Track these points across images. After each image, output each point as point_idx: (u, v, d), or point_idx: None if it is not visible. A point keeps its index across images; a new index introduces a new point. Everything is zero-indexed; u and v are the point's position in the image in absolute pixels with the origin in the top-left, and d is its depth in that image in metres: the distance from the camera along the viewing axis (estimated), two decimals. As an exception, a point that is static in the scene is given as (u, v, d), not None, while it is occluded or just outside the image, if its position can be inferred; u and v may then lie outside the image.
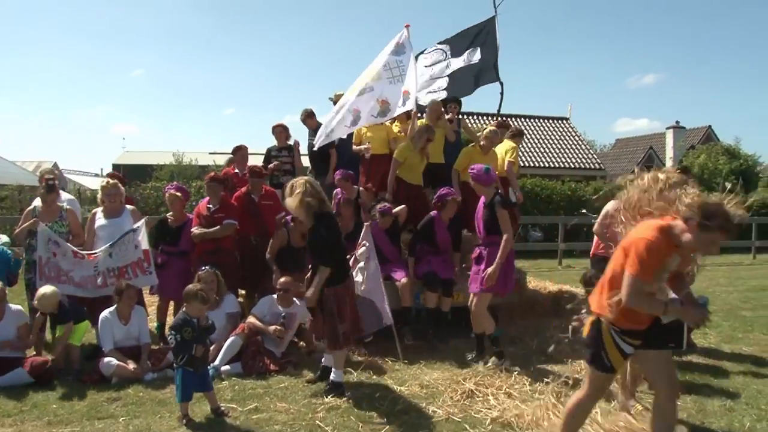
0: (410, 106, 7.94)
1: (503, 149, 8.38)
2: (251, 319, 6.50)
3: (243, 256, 7.54)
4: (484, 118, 27.79)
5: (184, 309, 5.10)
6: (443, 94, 9.22)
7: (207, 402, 5.08)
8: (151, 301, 8.03)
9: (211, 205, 7.29)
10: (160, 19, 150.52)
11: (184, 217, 7.44)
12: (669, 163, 32.34)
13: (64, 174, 39.34)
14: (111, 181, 7.24)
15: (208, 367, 5.40)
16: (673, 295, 3.79)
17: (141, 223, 6.90)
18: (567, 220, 16.86)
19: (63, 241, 6.71)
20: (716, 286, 11.95)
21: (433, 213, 7.19)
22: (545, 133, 30.94)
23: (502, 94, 9.39)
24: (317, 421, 4.87)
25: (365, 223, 7.02)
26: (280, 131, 9.27)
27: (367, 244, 6.73)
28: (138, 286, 6.79)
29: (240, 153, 8.96)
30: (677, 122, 33.97)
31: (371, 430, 4.79)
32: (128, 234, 6.75)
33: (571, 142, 30.78)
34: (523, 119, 30.87)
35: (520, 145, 8.87)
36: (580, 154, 30.08)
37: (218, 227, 7.11)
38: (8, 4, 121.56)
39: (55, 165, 38.32)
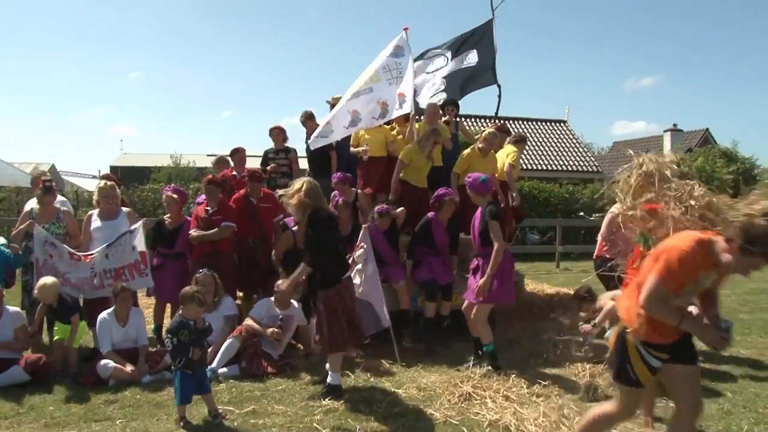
0: (407, 109, 7.94)
1: (505, 153, 8.38)
2: (249, 322, 6.50)
3: (241, 258, 7.53)
4: (482, 120, 27.82)
5: (180, 312, 5.10)
6: (442, 96, 9.24)
7: (204, 404, 5.07)
8: (148, 303, 8.02)
9: (209, 208, 7.28)
10: (157, 22, 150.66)
11: (181, 219, 7.44)
12: (666, 166, 32.31)
13: (62, 176, 39.37)
14: (108, 182, 7.25)
15: (206, 370, 5.39)
16: (692, 308, 3.69)
17: (138, 225, 6.90)
18: (564, 222, 16.88)
19: (59, 242, 6.70)
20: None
21: (430, 214, 7.17)
22: (543, 135, 30.96)
23: (499, 96, 9.42)
24: (314, 424, 4.87)
25: (363, 226, 7.02)
26: (278, 133, 9.28)
27: (365, 246, 6.73)
28: (134, 288, 6.80)
29: (238, 155, 8.97)
30: (675, 125, 34.08)
31: (369, 433, 4.78)
32: (125, 235, 6.74)
33: (568, 145, 30.79)
34: (520, 122, 30.88)
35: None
36: (577, 157, 30.10)
37: (216, 230, 7.10)
38: (7, 6, 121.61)
39: (53, 167, 38.38)
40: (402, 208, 7.62)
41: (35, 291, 6.21)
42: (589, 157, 31.18)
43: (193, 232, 7.14)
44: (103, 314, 6.19)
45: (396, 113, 8.00)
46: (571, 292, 8.52)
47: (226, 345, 6.22)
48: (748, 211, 3.29)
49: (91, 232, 6.99)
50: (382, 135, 8.45)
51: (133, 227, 6.84)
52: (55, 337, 6.24)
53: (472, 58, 9.28)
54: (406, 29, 8.32)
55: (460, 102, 9.42)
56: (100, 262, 6.65)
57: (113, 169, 36.49)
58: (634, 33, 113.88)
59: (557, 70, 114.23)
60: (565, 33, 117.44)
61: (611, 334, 3.83)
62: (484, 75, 9.18)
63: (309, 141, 8.56)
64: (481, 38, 9.27)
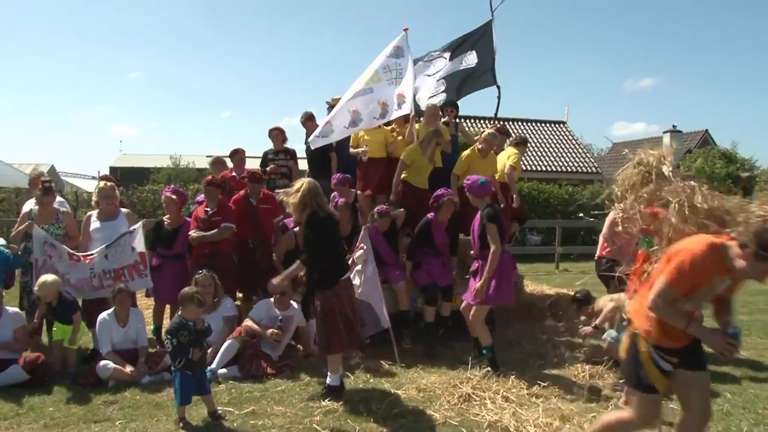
0: (406, 109, 7.94)
1: (506, 156, 8.37)
2: (248, 323, 6.50)
3: (240, 259, 7.53)
4: (482, 121, 27.83)
5: (180, 312, 5.10)
6: (441, 97, 9.24)
7: (204, 405, 5.07)
8: (148, 304, 8.02)
9: (208, 209, 7.28)
10: (157, 22, 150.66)
11: (180, 219, 7.44)
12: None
13: (61, 176, 39.36)
14: (108, 183, 7.25)
15: (206, 371, 5.38)
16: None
17: (138, 225, 6.90)
18: (564, 223, 16.88)
19: (59, 243, 6.70)
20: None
21: (429, 216, 7.15)
22: (542, 136, 30.99)
23: (499, 97, 9.42)
24: (314, 425, 4.87)
25: (363, 227, 7.02)
26: (277, 134, 9.27)
27: (365, 247, 6.73)
28: (134, 288, 6.81)
29: (237, 156, 8.97)
30: (674, 126, 34.03)
31: (368, 434, 4.79)
32: (124, 236, 6.75)
33: (568, 146, 30.82)
34: (520, 123, 30.90)
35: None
36: (577, 158, 30.12)
37: (216, 231, 7.10)
38: (7, 7, 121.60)
39: (53, 168, 38.38)
40: (402, 209, 7.62)
41: (36, 288, 6.22)
42: (589, 158, 31.20)
43: (193, 233, 7.14)
44: (103, 315, 6.20)
45: (395, 114, 8.00)
46: (571, 293, 8.53)
47: (226, 346, 6.22)
48: (761, 212, 3.26)
49: (91, 233, 7.00)
50: (382, 136, 8.45)
51: (132, 228, 6.85)
52: (54, 338, 6.25)
53: (471, 59, 9.28)
54: (406, 30, 8.32)
55: (459, 103, 9.43)
56: (99, 263, 6.65)
57: (113, 169, 36.55)
58: (633, 34, 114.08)
59: (557, 71, 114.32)
60: (564, 34, 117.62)
61: (624, 340, 3.73)
62: (483, 76, 9.17)
63: (309, 140, 8.56)
64: (480, 39, 9.27)
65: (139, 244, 6.76)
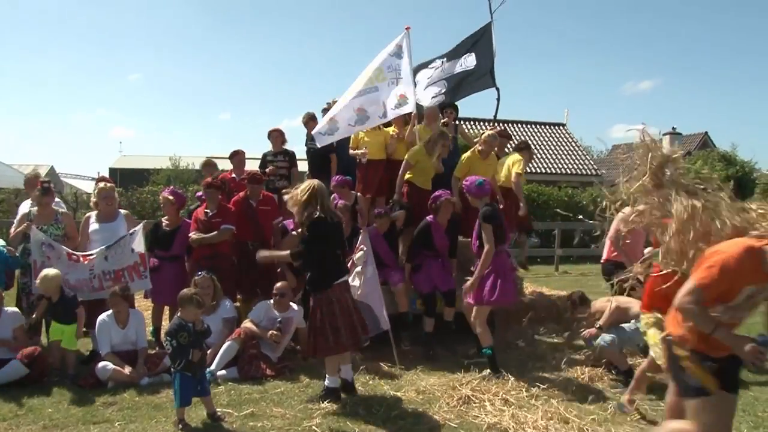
0: (408, 109, 7.94)
1: (510, 161, 8.34)
2: (247, 324, 6.49)
3: (240, 260, 7.53)
4: (481, 123, 27.82)
5: (179, 314, 5.10)
6: (440, 98, 9.23)
7: (203, 407, 5.07)
8: (148, 305, 8.02)
9: (208, 210, 7.28)
10: (157, 24, 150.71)
11: (178, 221, 7.44)
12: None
13: (61, 177, 39.39)
14: (107, 184, 7.25)
15: (205, 372, 5.38)
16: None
17: (138, 227, 6.90)
18: (564, 225, 16.88)
19: (57, 243, 6.69)
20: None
21: (429, 218, 7.14)
22: (542, 138, 30.99)
23: (498, 99, 9.41)
24: (313, 427, 4.86)
25: (362, 229, 7.01)
26: (277, 136, 9.26)
27: (365, 249, 6.72)
28: (133, 290, 6.81)
29: (237, 158, 8.97)
30: (673, 128, 34.16)
31: (367, 436, 4.79)
32: (124, 237, 6.75)
33: (567, 148, 30.82)
34: (519, 125, 30.93)
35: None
36: (576, 160, 30.13)
37: (215, 232, 7.10)
38: (6, 9, 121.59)
39: (52, 168, 38.42)
40: (402, 211, 7.62)
41: (37, 281, 6.22)
42: (588, 160, 31.21)
43: (193, 235, 7.14)
44: (103, 316, 6.20)
45: (392, 114, 7.99)
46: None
47: (225, 347, 6.22)
48: None
49: (89, 234, 6.99)
50: (382, 137, 8.44)
51: (133, 230, 6.85)
52: (52, 338, 6.24)
53: (470, 61, 9.27)
54: (407, 28, 8.32)
55: (458, 105, 9.42)
56: (99, 264, 6.65)
57: (112, 170, 36.61)
58: (632, 37, 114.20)
59: (556, 73, 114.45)
60: (563, 36, 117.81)
61: (659, 351, 3.64)
62: (482, 78, 9.16)
63: (314, 139, 8.55)
64: (479, 41, 9.26)
65: (139, 245, 6.76)
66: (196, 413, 5.07)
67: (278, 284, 6.69)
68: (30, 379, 5.86)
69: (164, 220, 7.45)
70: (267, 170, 8.99)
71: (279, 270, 7.33)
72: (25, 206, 7.44)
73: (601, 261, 7.00)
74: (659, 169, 3.68)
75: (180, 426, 4.82)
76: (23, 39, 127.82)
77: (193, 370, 4.92)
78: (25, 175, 8.69)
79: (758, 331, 3.74)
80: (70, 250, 6.69)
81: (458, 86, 9.29)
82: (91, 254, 6.69)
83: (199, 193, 8.26)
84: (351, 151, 8.41)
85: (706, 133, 36.87)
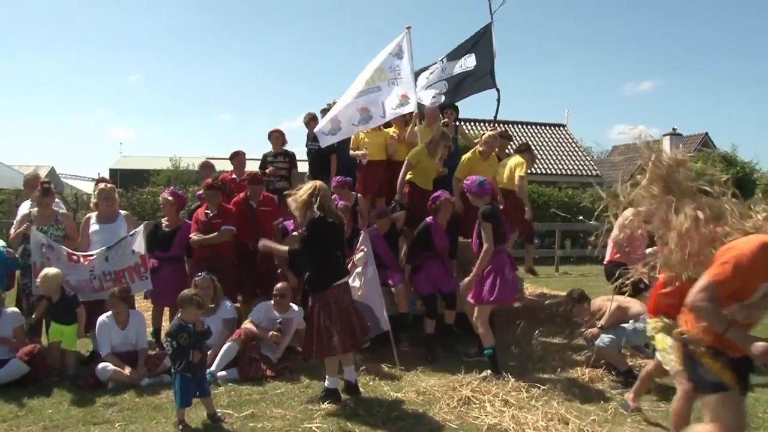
0: (410, 109, 7.94)
1: (513, 163, 8.35)
2: (248, 325, 6.50)
3: (240, 261, 7.53)
4: (481, 124, 27.82)
5: (179, 315, 5.10)
6: (440, 99, 9.23)
7: (203, 407, 5.07)
8: (148, 306, 8.02)
9: (209, 211, 7.29)
10: (157, 25, 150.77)
11: (177, 221, 7.45)
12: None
13: (61, 178, 39.39)
14: (108, 185, 7.26)
15: (206, 373, 5.38)
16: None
17: (139, 228, 6.91)
18: (564, 226, 16.88)
19: (57, 244, 6.69)
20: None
21: (428, 219, 7.13)
22: (542, 139, 30.98)
23: (498, 100, 9.41)
24: (313, 428, 4.86)
25: (363, 229, 7.01)
26: (277, 137, 9.26)
27: (366, 249, 6.72)
28: (134, 291, 6.81)
29: (237, 158, 8.97)
30: (674, 129, 34.09)
31: (368, 437, 4.79)
32: (125, 238, 6.75)
33: (567, 149, 30.81)
34: (519, 126, 30.92)
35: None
36: (577, 161, 30.11)
37: (216, 233, 7.10)
38: (7, 10, 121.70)
39: (53, 169, 38.41)
40: (402, 212, 7.62)
41: (38, 281, 6.23)
42: (589, 161, 31.20)
43: (194, 236, 7.15)
44: (103, 317, 6.20)
45: (393, 114, 7.99)
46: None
47: (225, 348, 6.22)
48: None
49: (90, 235, 7.00)
50: (382, 138, 8.45)
51: (134, 231, 6.85)
52: (51, 340, 6.24)
53: (469, 62, 9.27)
54: (408, 28, 8.32)
55: (458, 105, 9.43)
56: (99, 265, 6.65)
57: (113, 171, 36.63)
58: (632, 37, 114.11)
59: (556, 74, 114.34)
60: (563, 37, 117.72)
61: (671, 354, 3.57)
62: (483, 79, 9.16)
63: (315, 139, 8.57)
64: (479, 42, 9.26)
65: (140, 246, 6.76)
66: (197, 414, 5.07)
67: (278, 285, 6.70)
68: (31, 377, 5.88)
69: (164, 221, 7.46)
70: (267, 171, 9.00)
71: (279, 271, 7.33)
72: (25, 207, 7.44)
73: (604, 263, 6.97)
74: (668, 174, 3.59)
75: (180, 427, 4.82)
76: (23, 39, 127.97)
77: (194, 371, 4.92)
78: (24, 176, 8.70)
79: None
80: (70, 251, 6.70)
81: (458, 87, 9.29)
82: (92, 255, 6.70)
83: (200, 192, 8.28)
84: (351, 152, 8.41)
85: (707, 133, 36.83)
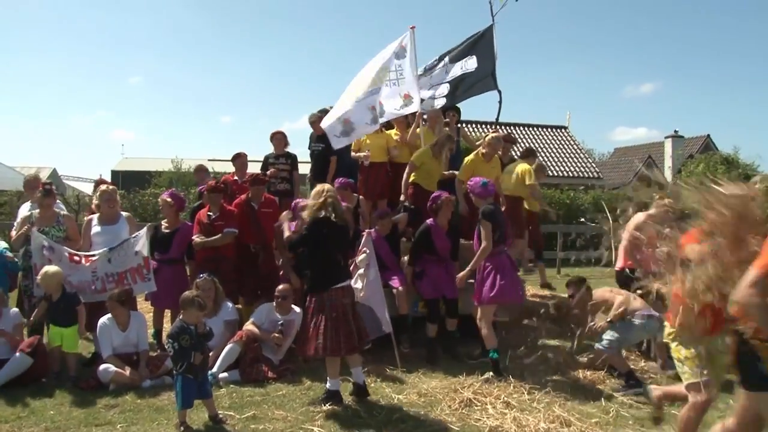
0: (414, 108, 7.95)
1: (520, 170, 8.34)
2: (249, 327, 6.50)
3: (242, 263, 7.53)
4: (483, 126, 27.83)
5: (181, 316, 5.10)
6: (442, 101, 9.23)
7: (205, 409, 5.07)
8: (149, 307, 8.03)
9: (211, 213, 7.29)
10: (158, 27, 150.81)
11: (177, 223, 7.45)
12: (668, 172, 32.42)
13: (63, 180, 39.42)
14: (109, 186, 7.26)
15: (207, 374, 5.38)
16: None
17: (143, 230, 6.91)
18: (565, 228, 16.86)
19: (58, 245, 6.69)
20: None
21: (429, 221, 7.09)
22: (544, 141, 30.98)
23: (500, 102, 9.42)
24: (315, 429, 4.87)
25: (365, 231, 7.01)
26: (280, 138, 9.24)
27: (368, 251, 6.71)
28: (136, 292, 6.81)
29: (239, 160, 8.95)
30: (676, 131, 34.11)
31: (369, 439, 4.79)
32: (127, 240, 6.76)
33: (569, 151, 30.81)
34: (521, 128, 30.92)
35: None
36: (578, 163, 30.11)
37: (219, 236, 7.11)
38: (7, 11, 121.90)
39: (54, 171, 38.44)
40: (404, 213, 7.61)
41: (38, 278, 6.25)
42: (590, 163, 31.20)
43: (196, 239, 7.15)
44: (103, 319, 6.21)
45: (395, 114, 8.00)
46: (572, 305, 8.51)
47: (227, 350, 6.22)
48: None
49: (91, 236, 7.00)
50: (383, 140, 8.45)
51: (137, 234, 6.85)
52: (51, 342, 6.24)
53: (471, 63, 9.27)
54: (412, 28, 8.33)
55: (459, 107, 9.43)
56: (102, 266, 6.65)
57: (114, 173, 36.65)
58: (633, 39, 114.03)
59: (558, 76, 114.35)
60: (565, 39, 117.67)
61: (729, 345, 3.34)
62: (484, 80, 9.15)
63: (318, 141, 8.59)
64: (480, 44, 9.26)
65: (144, 247, 6.76)
66: (198, 416, 5.07)
67: (280, 287, 6.70)
68: (35, 370, 5.92)
69: (163, 223, 7.47)
70: (268, 173, 8.99)
71: (281, 272, 7.34)
72: (25, 209, 7.45)
73: (616, 269, 6.92)
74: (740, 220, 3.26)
75: (182, 428, 4.83)
76: (24, 40, 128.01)
77: (195, 373, 4.92)
78: (24, 177, 8.72)
79: None
80: (72, 251, 6.70)
81: (460, 89, 9.29)
82: (93, 255, 6.70)
83: (201, 187, 8.32)
84: (353, 154, 8.42)
85: (708, 135, 36.83)
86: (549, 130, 32.09)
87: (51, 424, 4.98)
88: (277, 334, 6.42)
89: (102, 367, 5.93)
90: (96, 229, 7.00)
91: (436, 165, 7.78)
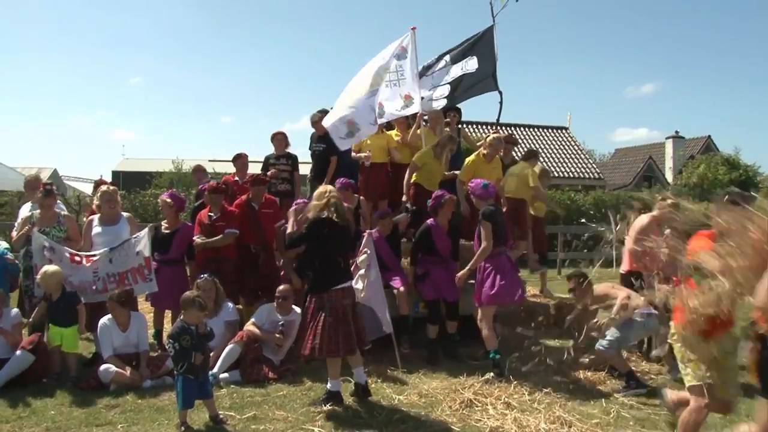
0: (415, 109, 7.95)
1: (523, 172, 8.35)
2: (250, 327, 6.50)
3: (243, 263, 7.53)
4: (484, 127, 27.84)
5: (182, 317, 5.10)
6: (443, 102, 9.23)
7: (205, 409, 5.08)
8: (150, 308, 8.03)
9: (212, 214, 7.29)
10: (158, 27, 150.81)
11: (177, 223, 7.45)
12: (669, 173, 32.45)
13: (64, 180, 39.44)
14: (110, 186, 7.27)
15: (208, 375, 5.38)
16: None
17: (145, 231, 6.92)
18: (566, 229, 16.86)
19: (58, 245, 6.70)
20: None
21: (429, 221, 7.08)
22: (544, 142, 30.99)
23: (501, 103, 9.40)
24: (315, 430, 4.88)
25: (365, 232, 7.01)
26: (281, 139, 9.23)
27: (369, 252, 6.71)
28: (137, 292, 6.82)
29: (240, 161, 8.95)
30: (676, 132, 34.19)
31: (370, 439, 4.79)
32: (128, 240, 6.76)
33: (570, 152, 30.82)
34: (522, 128, 30.93)
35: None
36: (579, 164, 30.13)
37: (220, 237, 7.11)
38: (7, 11, 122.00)
39: (55, 171, 38.45)
40: (404, 214, 7.61)
41: (38, 278, 6.26)
42: (591, 164, 31.21)
43: (197, 239, 7.15)
44: (104, 319, 6.21)
45: (396, 114, 8.01)
46: (573, 298, 8.51)
47: (228, 350, 6.22)
48: None
49: (92, 237, 7.00)
50: (384, 141, 8.45)
51: (137, 234, 6.85)
52: (50, 343, 6.24)
53: (471, 64, 9.26)
54: (413, 29, 8.33)
55: (460, 108, 9.43)
56: (103, 267, 6.65)
57: (115, 173, 36.62)
58: (634, 40, 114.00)
59: (558, 77, 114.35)
60: (565, 40, 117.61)
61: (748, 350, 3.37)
62: (484, 81, 9.15)
63: (319, 141, 8.59)
64: (480, 44, 9.25)
65: (145, 248, 6.76)
66: (199, 416, 5.08)
67: (281, 287, 6.70)
68: (36, 369, 5.93)
69: (163, 224, 7.47)
70: (269, 173, 8.98)
71: (282, 273, 7.34)
72: (26, 209, 7.46)
73: (621, 272, 6.92)
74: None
75: (182, 428, 4.83)
76: (23, 40, 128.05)
77: (196, 373, 4.93)
78: (25, 178, 8.73)
79: None
80: (73, 251, 6.70)
81: (460, 89, 9.29)
82: (94, 255, 6.70)
83: (202, 186, 8.32)
84: (354, 154, 8.41)
85: (710, 136, 36.87)
86: (549, 130, 32.11)
87: (52, 424, 4.98)
88: (277, 335, 6.42)
89: (103, 367, 5.94)
90: (97, 229, 7.00)
91: (438, 165, 7.78)
